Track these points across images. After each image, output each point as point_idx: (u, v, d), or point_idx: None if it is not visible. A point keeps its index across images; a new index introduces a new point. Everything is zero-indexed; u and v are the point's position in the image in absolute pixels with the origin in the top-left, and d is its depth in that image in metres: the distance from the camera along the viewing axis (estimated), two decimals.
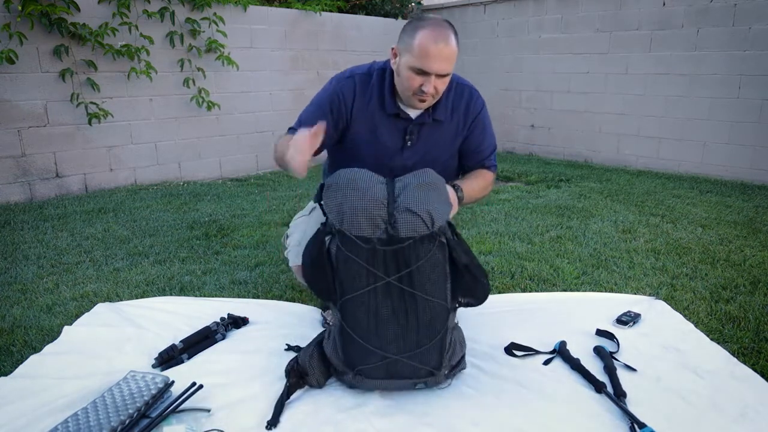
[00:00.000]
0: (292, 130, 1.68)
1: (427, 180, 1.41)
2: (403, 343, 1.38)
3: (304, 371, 1.46)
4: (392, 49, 1.60)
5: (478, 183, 1.77)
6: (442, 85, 1.58)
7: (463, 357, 1.53)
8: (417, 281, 1.34)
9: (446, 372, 1.45)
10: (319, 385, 1.48)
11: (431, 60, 1.49)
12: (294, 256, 1.77)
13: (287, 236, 1.87)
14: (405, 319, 1.36)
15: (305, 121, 1.66)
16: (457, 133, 1.76)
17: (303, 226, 1.80)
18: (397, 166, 1.70)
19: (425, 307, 1.36)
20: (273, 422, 1.35)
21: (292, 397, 1.45)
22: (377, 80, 1.68)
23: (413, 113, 1.68)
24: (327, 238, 1.39)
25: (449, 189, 1.53)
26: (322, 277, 1.40)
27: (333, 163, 1.85)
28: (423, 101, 1.59)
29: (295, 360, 1.49)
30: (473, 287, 1.42)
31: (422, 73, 1.52)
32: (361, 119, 1.69)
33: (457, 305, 1.46)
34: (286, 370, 1.48)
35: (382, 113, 1.68)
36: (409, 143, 1.71)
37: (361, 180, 1.38)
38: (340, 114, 1.68)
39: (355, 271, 1.35)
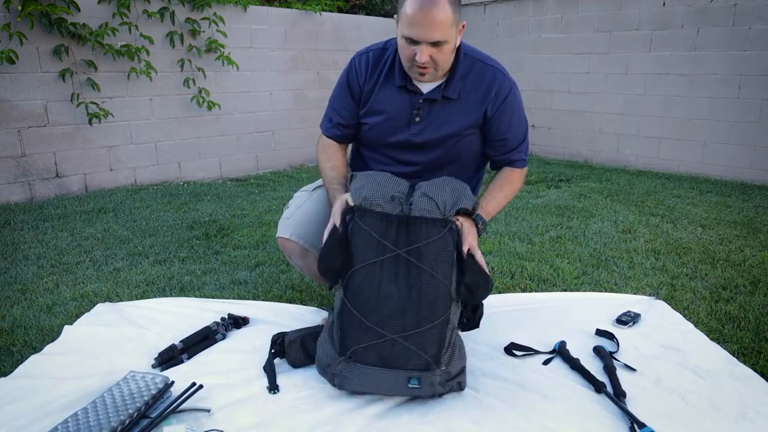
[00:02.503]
0: (328, 121, 1.78)
1: (447, 179, 1.50)
2: (402, 321, 1.36)
3: (284, 350, 1.61)
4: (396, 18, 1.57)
5: (502, 194, 1.68)
6: (440, 54, 1.48)
7: (462, 372, 1.44)
8: (425, 257, 1.37)
9: (442, 377, 1.39)
10: (294, 366, 1.61)
11: (416, 27, 1.42)
12: (282, 227, 1.74)
13: (287, 207, 1.84)
14: (408, 294, 1.37)
15: (332, 103, 1.77)
16: (470, 115, 1.64)
17: (300, 201, 1.78)
18: (403, 143, 1.67)
19: (429, 284, 1.37)
20: (272, 386, 1.49)
21: (291, 396, 1.46)
22: (391, 54, 1.66)
23: (425, 88, 1.62)
24: (348, 217, 1.45)
25: (470, 224, 1.50)
26: (336, 253, 1.43)
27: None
28: (422, 73, 1.53)
29: (283, 336, 1.62)
30: (475, 280, 1.40)
31: (412, 41, 1.46)
32: (371, 93, 1.68)
33: (458, 300, 1.44)
34: (272, 340, 1.63)
35: (391, 86, 1.65)
36: (417, 119, 1.64)
37: (385, 174, 1.52)
38: (355, 90, 1.71)
39: (366, 242, 1.40)
